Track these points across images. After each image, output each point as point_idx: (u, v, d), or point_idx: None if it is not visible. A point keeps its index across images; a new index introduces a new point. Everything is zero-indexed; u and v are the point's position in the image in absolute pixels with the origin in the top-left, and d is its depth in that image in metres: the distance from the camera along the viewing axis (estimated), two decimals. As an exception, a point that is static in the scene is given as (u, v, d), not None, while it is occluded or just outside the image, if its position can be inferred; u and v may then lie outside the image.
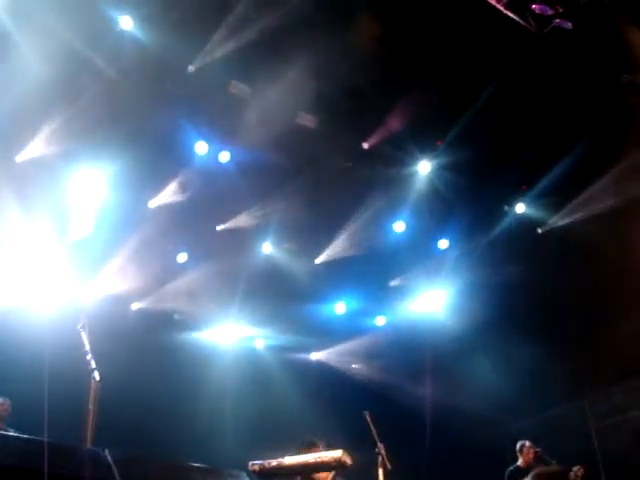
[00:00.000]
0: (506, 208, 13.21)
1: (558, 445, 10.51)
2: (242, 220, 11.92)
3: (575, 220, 12.47)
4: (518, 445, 10.44)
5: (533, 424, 13.35)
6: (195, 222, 11.51)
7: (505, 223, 13.23)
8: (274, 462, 7.55)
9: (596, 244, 11.65)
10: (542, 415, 13.61)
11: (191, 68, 9.52)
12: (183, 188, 10.94)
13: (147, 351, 11.30)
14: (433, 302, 14.06)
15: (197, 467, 5.87)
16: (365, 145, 11.44)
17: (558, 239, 12.77)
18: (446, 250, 13.53)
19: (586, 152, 11.21)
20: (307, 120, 10.73)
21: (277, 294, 12.67)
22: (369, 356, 14.34)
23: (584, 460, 12.02)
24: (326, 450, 9.16)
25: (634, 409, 13.27)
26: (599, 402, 13.89)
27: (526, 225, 13.15)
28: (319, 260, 13.04)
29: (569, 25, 9.60)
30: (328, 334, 13.96)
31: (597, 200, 11.98)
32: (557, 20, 9.55)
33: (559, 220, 12.88)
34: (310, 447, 9.51)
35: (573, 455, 10.52)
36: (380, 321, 14.55)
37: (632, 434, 12.89)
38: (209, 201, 11.23)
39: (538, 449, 10.18)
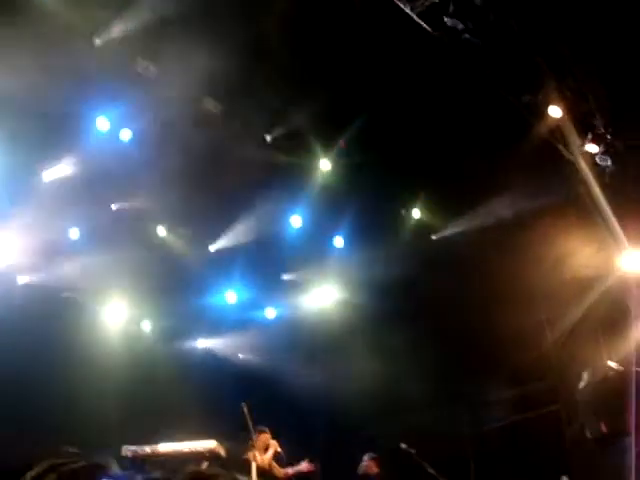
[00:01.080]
0: (403, 212, 13.53)
1: (430, 448, 10.77)
2: (138, 201, 11.78)
3: (467, 231, 12.89)
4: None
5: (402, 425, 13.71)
6: (90, 199, 11.27)
7: (401, 226, 13.55)
8: (148, 449, 7.55)
9: (483, 255, 12.11)
10: (415, 417, 13.98)
11: (97, 42, 9.31)
12: (80, 163, 10.70)
13: (31, 328, 10.98)
14: (324, 297, 14.24)
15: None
16: (268, 137, 11.51)
17: (449, 247, 13.18)
18: (341, 248, 13.75)
19: (481, 166, 11.57)
20: (211, 105, 10.69)
21: (168, 278, 12.58)
22: (256, 347, 14.42)
23: (457, 464, 12.51)
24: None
25: (507, 416, 13.87)
26: (474, 407, 14.44)
27: (421, 230, 13.52)
28: (214, 247, 13.02)
29: (477, 41, 9.87)
30: (217, 323, 13.95)
31: (489, 213, 12.43)
32: (466, 35, 9.80)
33: (452, 229, 13.29)
34: (260, 433, 9.91)
35: (445, 460, 10.85)
36: (270, 313, 14.64)
37: (503, 440, 13.45)
38: (106, 179, 11.02)
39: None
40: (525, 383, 13.83)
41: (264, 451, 10.11)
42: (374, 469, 11.37)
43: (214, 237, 12.91)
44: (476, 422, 14.57)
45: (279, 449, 10.26)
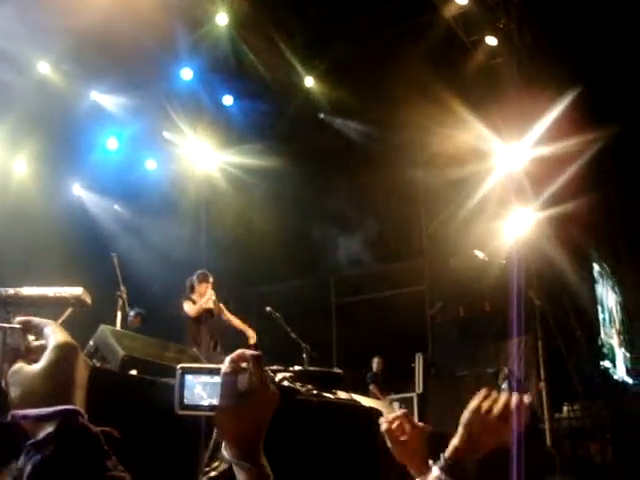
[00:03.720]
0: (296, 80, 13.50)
1: (297, 317, 11.18)
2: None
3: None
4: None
5: (277, 290, 14.14)
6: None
7: (292, 95, 13.57)
8: (11, 290, 7.55)
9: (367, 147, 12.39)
10: (287, 284, 14.45)
11: None
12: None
13: None
14: (203, 155, 14.14)
15: None
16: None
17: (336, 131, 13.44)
18: (229, 106, 13.73)
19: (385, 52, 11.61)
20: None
21: (49, 117, 12.16)
22: (134, 198, 14.29)
23: (321, 331, 13.08)
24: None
25: (372, 291, 14.52)
26: (342, 279, 15.04)
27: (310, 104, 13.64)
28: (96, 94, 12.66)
29: None
30: (96, 169, 13.71)
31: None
32: None
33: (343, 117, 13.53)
34: (203, 279, 9.58)
35: (310, 327, 11.33)
36: (151, 165, 14.53)
37: (368, 313, 14.09)
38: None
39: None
40: (395, 261, 14.43)
41: (211, 301, 9.60)
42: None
43: (99, 81, 12.53)
44: (342, 293, 15.21)
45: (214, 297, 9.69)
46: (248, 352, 1.50)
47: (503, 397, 2.00)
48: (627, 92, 12.41)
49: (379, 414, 7.11)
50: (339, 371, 7.07)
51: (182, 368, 1.59)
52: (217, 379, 1.49)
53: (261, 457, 1.48)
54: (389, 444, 2.19)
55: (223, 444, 1.49)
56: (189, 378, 1.56)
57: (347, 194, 13.80)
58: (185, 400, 1.54)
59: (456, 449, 1.96)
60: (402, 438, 2.15)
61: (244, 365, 1.48)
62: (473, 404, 2.00)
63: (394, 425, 2.17)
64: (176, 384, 1.55)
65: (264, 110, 13.41)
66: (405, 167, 13.20)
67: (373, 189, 13.64)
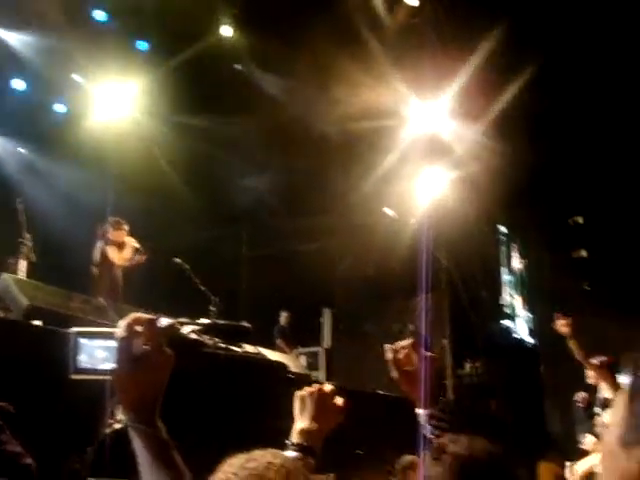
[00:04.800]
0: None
1: (207, 269, 11.15)
2: None
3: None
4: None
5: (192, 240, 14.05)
6: None
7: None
8: None
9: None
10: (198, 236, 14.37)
11: None
12: None
13: None
14: (119, 103, 13.85)
15: None
16: None
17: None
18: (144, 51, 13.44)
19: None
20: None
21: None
22: (41, 140, 13.88)
23: (231, 290, 13.09)
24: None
25: (282, 245, 14.58)
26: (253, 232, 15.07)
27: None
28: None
29: None
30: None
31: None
32: None
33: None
34: (118, 227, 9.28)
35: (220, 284, 11.32)
36: (60, 108, 14.10)
37: (277, 268, 14.15)
38: None
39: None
40: (306, 216, 14.48)
41: (120, 248, 9.59)
42: None
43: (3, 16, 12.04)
44: (253, 246, 15.23)
45: (137, 244, 9.75)
46: (144, 316, 1.52)
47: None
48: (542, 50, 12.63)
49: (284, 368, 7.25)
50: (247, 325, 7.13)
51: (77, 332, 1.60)
52: (113, 343, 1.50)
53: (156, 419, 1.51)
54: (393, 374, 2.18)
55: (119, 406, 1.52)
56: (84, 342, 1.58)
57: (260, 150, 13.74)
58: (81, 364, 1.55)
59: (303, 431, 1.98)
60: (408, 368, 2.14)
61: (139, 329, 1.49)
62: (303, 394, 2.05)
63: (400, 355, 2.16)
64: (70, 348, 1.57)
65: (178, 57, 13.15)
66: (320, 122, 13.20)
67: (287, 144, 13.61)
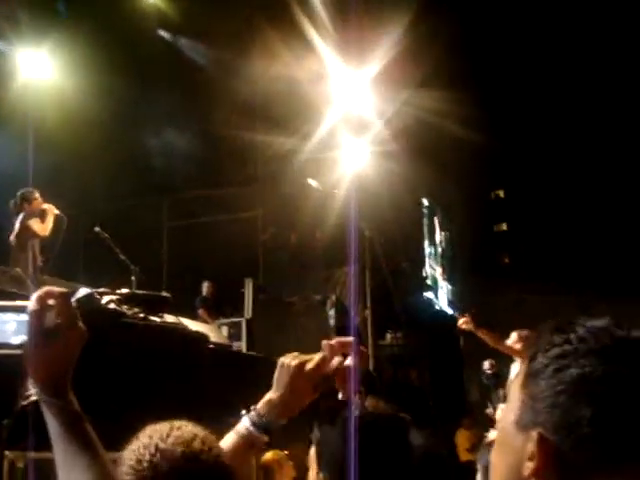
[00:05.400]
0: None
1: (128, 238, 11.02)
2: None
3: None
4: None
5: (112, 209, 13.86)
6: None
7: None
8: None
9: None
10: (118, 204, 14.17)
11: None
12: None
13: None
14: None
15: None
16: None
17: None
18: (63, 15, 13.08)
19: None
20: None
21: None
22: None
23: (152, 259, 12.98)
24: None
25: (205, 215, 14.52)
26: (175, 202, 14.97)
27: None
28: None
29: None
30: None
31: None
32: None
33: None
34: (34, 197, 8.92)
35: (141, 253, 11.21)
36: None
37: (199, 238, 14.10)
38: None
39: None
40: (229, 186, 14.45)
41: (41, 219, 9.20)
42: None
43: None
44: (175, 216, 15.13)
45: (57, 211, 9.34)
46: (56, 289, 1.51)
47: (317, 357, 1.85)
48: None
49: (205, 338, 7.25)
50: (167, 295, 7.11)
51: (-13, 307, 1.58)
52: (25, 317, 1.49)
53: (67, 393, 1.50)
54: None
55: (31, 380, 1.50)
56: (-5, 315, 1.56)
57: (183, 118, 13.60)
58: (-9, 338, 1.54)
59: (270, 402, 1.86)
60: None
61: (51, 302, 1.48)
62: (296, 362, 1.85)
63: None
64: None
65: (98, 22, 12.85)
66: (244, 92, 13.11)
67: (209, 113, 13.50)
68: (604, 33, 13.16)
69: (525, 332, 6.47)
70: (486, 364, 11.76)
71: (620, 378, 0.98)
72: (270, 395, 1.86)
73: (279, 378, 1.85)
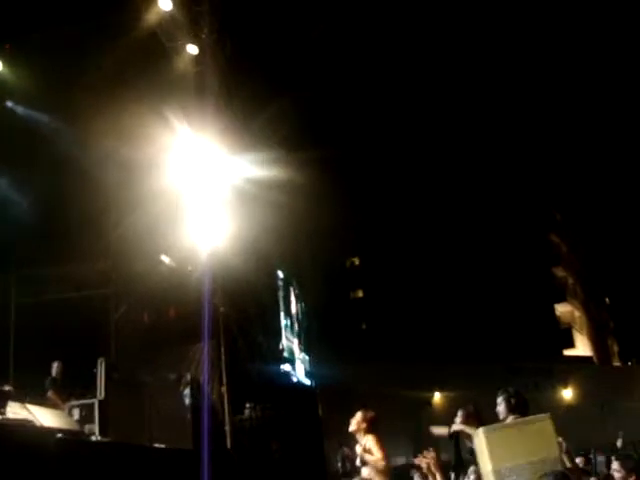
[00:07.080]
0: None
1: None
2: None
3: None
4: None
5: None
6: None
7: None
8: None
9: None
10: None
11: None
12: None
13: None
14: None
15: None
16: None
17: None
18: None
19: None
20: None
21: None
22: None
23: None
24: None
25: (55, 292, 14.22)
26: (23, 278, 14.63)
27: None
28: None
29: None
30: None
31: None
32: None
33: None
34: None
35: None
36: None
37: (49, 316, 13.77)
38: None
39: None
40: (80, 262, 14.23)
41: None
42: None
43: None
44: (23, 293, 14.72)
45: None
46: None
47: None
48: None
49: (52, 432, 7.04)
50: (8, 387, 6.96)
51: None
52: None
53: None
54: None
55: None
56: None
57: (35, 189, 13.41)
58: None
59: None
60: None
61: None
62: None
63: None
64: None
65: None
66: (96, 167, 13.07)
67: (60, 186, 13.36)
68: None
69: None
70: (344, 451, 12.00)
71: None
72: None
73: None
